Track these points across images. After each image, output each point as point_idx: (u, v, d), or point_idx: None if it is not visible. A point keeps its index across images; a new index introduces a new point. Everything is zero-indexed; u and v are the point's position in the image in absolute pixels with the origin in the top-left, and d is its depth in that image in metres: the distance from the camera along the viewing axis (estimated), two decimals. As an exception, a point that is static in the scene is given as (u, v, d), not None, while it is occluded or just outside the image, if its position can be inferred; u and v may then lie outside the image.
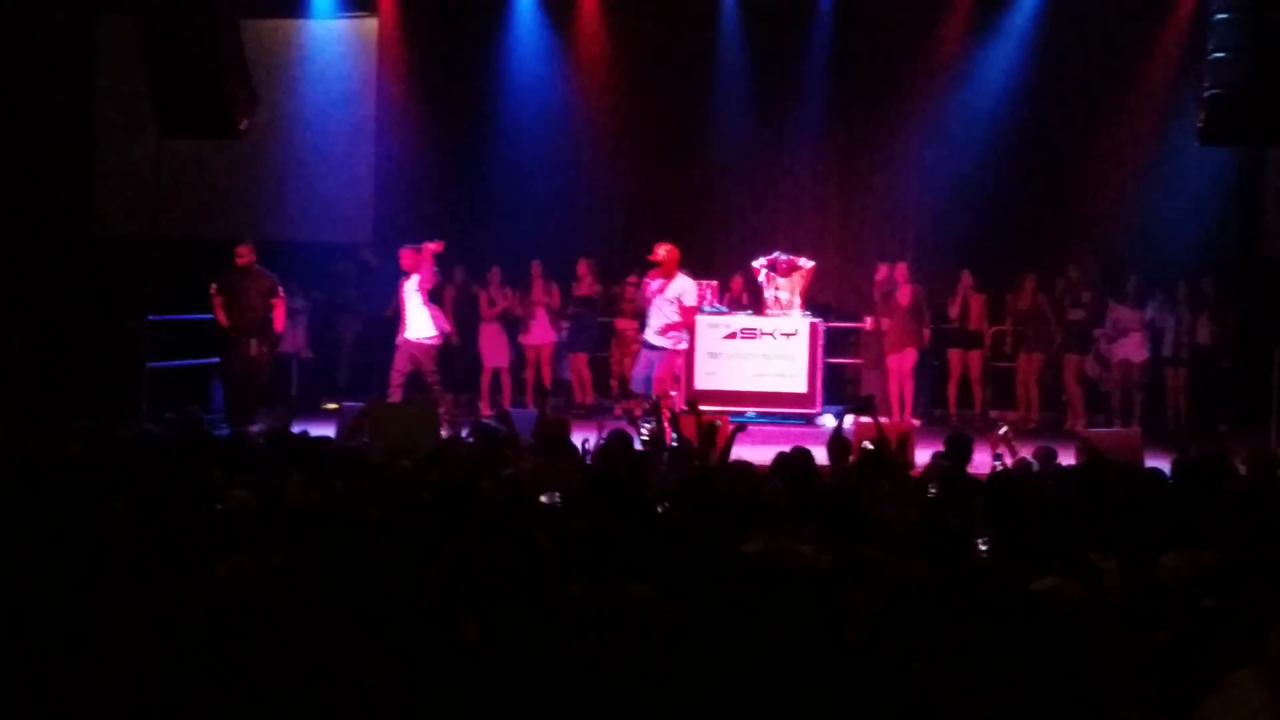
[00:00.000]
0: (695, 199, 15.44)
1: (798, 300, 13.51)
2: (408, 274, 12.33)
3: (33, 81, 13.02)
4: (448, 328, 12.70)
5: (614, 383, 14.34)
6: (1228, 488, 6.14)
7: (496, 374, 14.46)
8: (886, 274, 13.92)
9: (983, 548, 5.21)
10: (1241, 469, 7.82)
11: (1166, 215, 13.99)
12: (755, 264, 13.63)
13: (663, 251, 11.33)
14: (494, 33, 15.41)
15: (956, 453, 7.87)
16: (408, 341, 12.25)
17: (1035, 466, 8.55)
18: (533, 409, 12.86)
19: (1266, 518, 5.40)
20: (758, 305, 13.67)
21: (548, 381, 14.45)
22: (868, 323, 14.10)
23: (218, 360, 12.51)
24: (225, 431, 10.49)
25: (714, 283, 14.02)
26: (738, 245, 14.93)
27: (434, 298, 13.38)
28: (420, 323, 12.27)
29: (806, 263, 13.56)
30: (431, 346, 12.33)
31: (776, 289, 13.50)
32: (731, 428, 9.10)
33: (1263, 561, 4.38)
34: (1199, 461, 7.33)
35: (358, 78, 15.12)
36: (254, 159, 13.29)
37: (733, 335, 13.41)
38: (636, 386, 11.50)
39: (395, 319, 12.53)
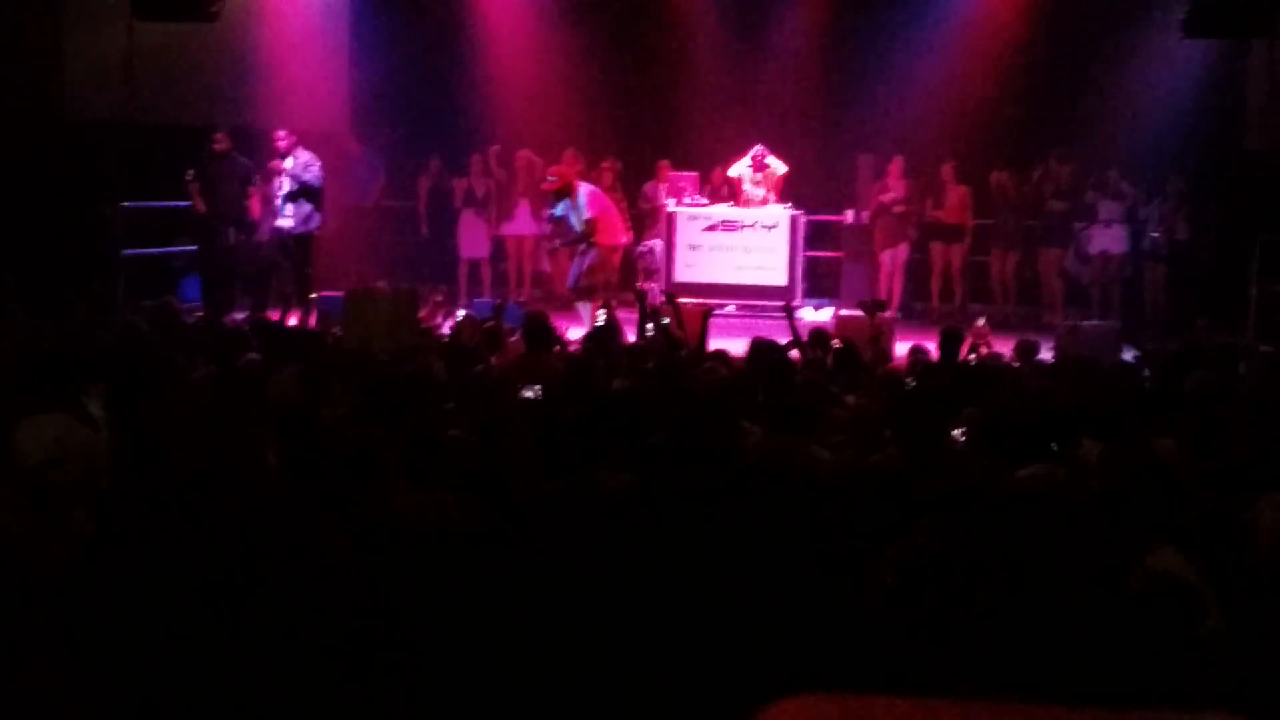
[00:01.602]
0: (675, 89, 15.29)
1: (772, 197, 13.44)
2: (283, 157, 12.07)
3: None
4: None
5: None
6: (1198, 379, 6.18)
7: (475, 266, 14.40)
8: (875, 167, 13.86)
9: (959, 437, 5.25)
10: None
11: (1148, 109, 13.88)
12: (736, 167, 13.49)
13: (554, 177, 11.77)
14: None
15: (948, 346, 7.94)
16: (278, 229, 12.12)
17: (1013, 360, 8.59)
18: (515, 302, 12.83)
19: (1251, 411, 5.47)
20: (736, 200, 13.58)
21: (528, 272, 14.41)
22: (848, 216, 14.04)
23: (194, 249, 12.43)
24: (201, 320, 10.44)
25: (694, 174, 13.93)
26: (718, 136, 14.79)
27: (407, 188, 13.36)
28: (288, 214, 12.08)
29: (779, 166, 13.44)
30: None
31: (754, 184, 13.43)
32: (700, 311, 9.18)
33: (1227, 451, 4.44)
34: (1174, 354, 7.39)
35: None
36: (228, 43, 13.03)
37: (713, 227, 13.35)
38: (570, 282, 11.82)
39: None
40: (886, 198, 13.59)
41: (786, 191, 13.63)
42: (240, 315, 11.01)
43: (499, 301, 11.69)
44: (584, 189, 11.80)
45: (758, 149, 13.42)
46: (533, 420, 4.76)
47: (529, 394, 5.97)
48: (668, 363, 6.69)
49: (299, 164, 12.02)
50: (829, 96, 15.27)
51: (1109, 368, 7.58)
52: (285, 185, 12.02)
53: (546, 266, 14.38)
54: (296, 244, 12.10)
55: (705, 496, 3.59)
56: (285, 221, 12.04)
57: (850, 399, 6.06)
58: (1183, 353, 7.74)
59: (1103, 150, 13.85)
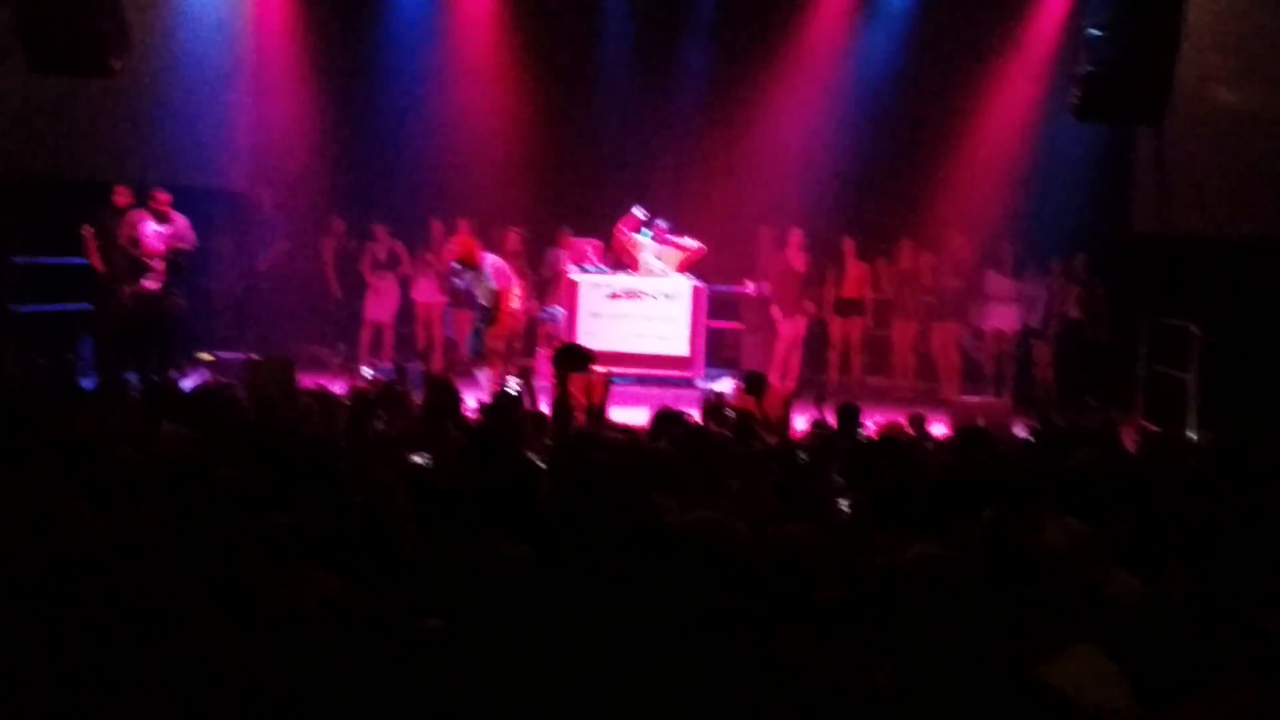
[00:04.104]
0: (579, 157, 15.40)
1: (671, 272, 13.51)
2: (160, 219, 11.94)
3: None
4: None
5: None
6: (1087, 458, 6.28)
7: (379, 329, 14.33)
8: (776, 239, 14.05)
9: (844, 508, 5.28)
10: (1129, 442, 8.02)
11: (1042, 190, 14.28)
12: (629, 221, 13.51)
13: (456, 247, 12.06)
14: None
15: (846, 421, 7.99)
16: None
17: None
18: (420, 365, 12.79)
19: (1130, 488, 5.54)
20: (632, 267, 13.60)
21: (439, 339, 14.36)
22: (749, 287, 14.18)
23: (88, 306, 12.19)
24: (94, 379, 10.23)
25: (597, 242, 13.99)
26: (621, 203, 14.90)
27: (310, 249, 13.35)
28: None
29: (691, 243, 13.51)
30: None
31: (654, 255, 13.50)
32: (603, 380, 9.12)
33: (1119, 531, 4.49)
34: (1065, 431, 7.52)
35: (234, 18, 14.74)
36: (128, 98, 12.90)
37: (615, 296, 13.40)
38: (468, 349, 12.02)
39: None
40: (794, 266, 13.79)
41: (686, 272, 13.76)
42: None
43: (401, 364, 11.59)
44: (488, 260, 11.88)
45: (659, 224, 13.45)
46: (421, 487, 4.69)
47: (419, 460, 5.89)
48: (568, 432, 6.65)
49: (183, 225, 11.84)
50: (730, 167, 15.47)
51: (1004, 444, 7.69)
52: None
53: (451, 332, 14.33)
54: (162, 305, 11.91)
55: (612, 570, 3.56)
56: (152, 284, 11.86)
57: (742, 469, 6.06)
58: (1068, 430, 7.87)
59: (998, 229, 14.17)
